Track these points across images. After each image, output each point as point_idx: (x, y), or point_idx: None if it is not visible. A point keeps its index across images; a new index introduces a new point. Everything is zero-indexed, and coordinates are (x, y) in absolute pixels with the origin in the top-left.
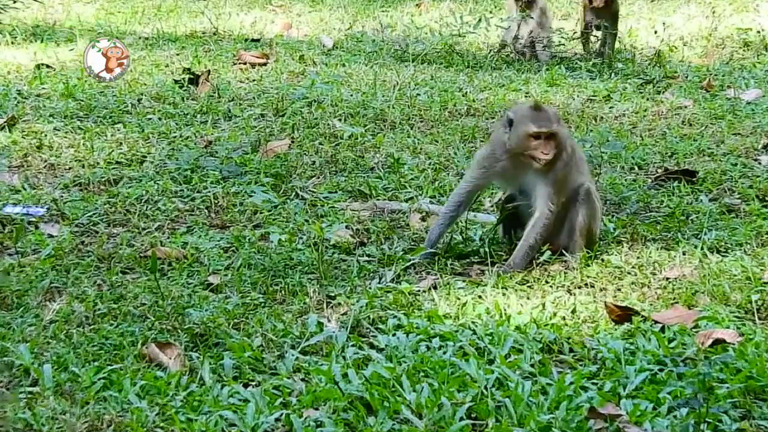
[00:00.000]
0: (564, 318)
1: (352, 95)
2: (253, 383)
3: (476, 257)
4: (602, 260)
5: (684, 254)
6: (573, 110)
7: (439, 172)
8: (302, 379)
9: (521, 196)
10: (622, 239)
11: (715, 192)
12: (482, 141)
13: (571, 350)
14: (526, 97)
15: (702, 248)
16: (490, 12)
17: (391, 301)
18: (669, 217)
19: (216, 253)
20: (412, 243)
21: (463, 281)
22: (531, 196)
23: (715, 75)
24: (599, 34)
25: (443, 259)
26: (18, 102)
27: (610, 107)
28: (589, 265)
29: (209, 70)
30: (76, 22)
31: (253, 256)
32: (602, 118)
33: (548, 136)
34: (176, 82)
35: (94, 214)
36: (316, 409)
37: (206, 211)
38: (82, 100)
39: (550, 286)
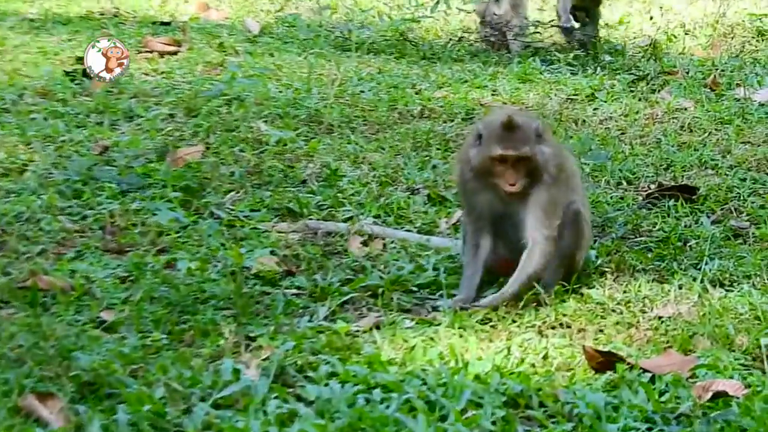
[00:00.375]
0: (534, 365)
1: (281, 92)
2: None
3: (429, 290)
4: (581, 295)
5: (680, 288)
6: (549, 112)
7: (385, 187)
8: None
9: (507, 223)
10: (606, 269)
11: (719, 213)
12: (438, 148)
13: (541, 404)
14: (493, 96)
15: (702, 281)
16: None
17: (324, 343)
18: (663, 242)
19: (111, 283)
20: (351, 273)
21: (412, 320)
22: (517, 223)
23: (722, 71)
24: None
25: (388, 292)
26: None
27: (595, 109)
28: (565, 301)
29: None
30: None
31: (156, 287)
32: (584, 121)
33: (517, 161)
34: (67, 74)
35: None
36: None
37: (100, 232)
38: None
39: (518, 326)
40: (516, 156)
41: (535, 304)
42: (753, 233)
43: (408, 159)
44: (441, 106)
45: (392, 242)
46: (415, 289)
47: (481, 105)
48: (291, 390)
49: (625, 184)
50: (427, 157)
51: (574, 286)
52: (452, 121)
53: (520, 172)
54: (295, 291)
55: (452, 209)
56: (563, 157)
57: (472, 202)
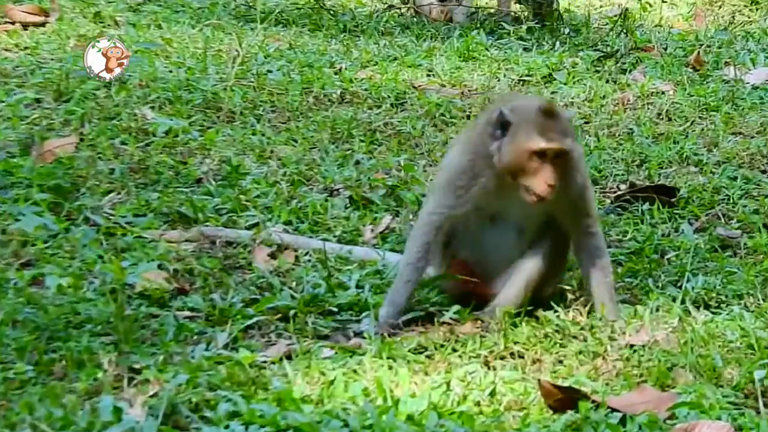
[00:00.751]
0: (478, 403)
1: (171, 72)
2: None
3: (351, 312)
4: (536, 318)
5: (657, 310)
6: (497, 96)
7: (297, 187)
8: None
9: (506, 234)
10: (567, 287)
11: (703, 219)
12: (362, 140)
13: None
14: (429, 76)
15: (683, 301)
16: None
17: (224, 376)
18: (636, 255)
19: None
20: (257, 291)
21: (331, 348)
22: (518, 231)
23: (708, 46)
24: None
25: (301, 315)
26: None
27: (553, 93)
28: (517, 326)
29: None
30: None
31: (19, 308)
32: None
33: (557, 156)
34: None
35: None
36: None
37: None
38: None
39: (459, 356)
40: (559, 149)
41: (480, 329)
42: (744, 244)
43: (325, 153)
44: (365, 90)
45: (306, 254)
46: (334, 310)
47: (414, 88)
48: None
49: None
50: (349, 151)
51: (528, 308)
52: (379, 107)
53: (557, 172)
54: (188, 313)
55: (379, 214)
56: (585, 167)
57: (470, 201)
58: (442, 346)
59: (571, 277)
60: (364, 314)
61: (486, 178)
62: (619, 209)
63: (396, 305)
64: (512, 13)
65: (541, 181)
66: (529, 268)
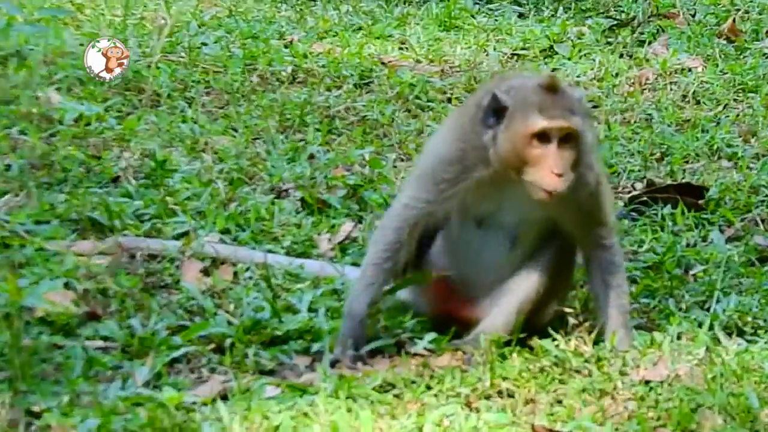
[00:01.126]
0: None
1: (82, 45)
2: None
3: (302, 342)
4: (530, 348)
5: (678, 338)
6: (485, 76)
7: (237, 187)
8: None
9: (495, 239)
10: (568, 309)
11: (738, 225)
12: (318, 129)
13: None
14: (401, 50)
15: (711, 327)
16: None
17: (144, 422)
18: (654, 270)
19: None
20: (185, 316)
21: (278, 385)
22: (511, 240)
23: (746, 12)
24: None
25: (240, 345)
26: None
27: (554, 69)
28: (506, 357)
29: None
30: None
31: None
32: None
33: (564, 138)
34: None
35: None
36: None
37: None
38: None
39: (435, 395)
40: (565, 127)
41: (460, 362)
42: None
43: (272, 145)
44: (322, 66)
45: (247, 270)
46: (281, 339)
47: (382, 64)
48: None
49: None
50: (302, 143)
51: (521, 336)
52: (339, 88)
53: (565, 159)
54: (100, 343)
55: (338, 220)
56: (600, 166)
57: (453, 197)
58: (413, 382)
59: (573, 296)
60: (317, 344)
61: (479, 174)
62: (634, 213)
63: (354, 317)
64: None
65: (548, 171)
66: (523, 287)
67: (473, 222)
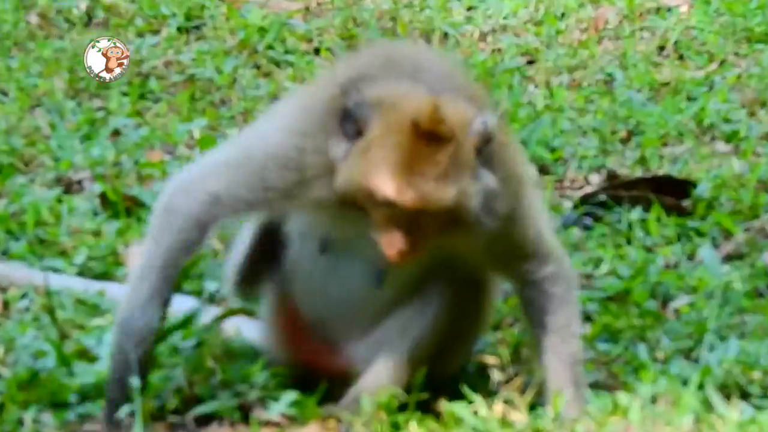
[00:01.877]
0: None
1: None
2: None
3: (100, 402)
4: (435, 414)
5: (653, 402)
6: (370, 19)
7: (8, 177)
8: None
9: (349, 270)
10: (491, 360)
11: (739, 237)
12: (125, 93)
13: None
14: None
15: (701, 386)
16: None
17: None
18: (617, 301)
19: None
20: None
21: None
22: (373, 274)
23: None
24: None
25: (12, 406)
26: None
27: (470, 8)
28: (399, 428)
29: None
30: None
31: None
32: (448, 36)
33: (420, 215)
34: None
35: None
36: None
37: None
38: None
39: None
40: (420, 210)
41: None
42: None
43: (59, 116)
44: (132, 2)
45: (23, 297)
46: (70, 399)
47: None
48: None
49: (540, 172)
50: (101, 112)
51: (421, 396)
52: (156, 33)
53: (421, 232)
54: None
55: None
56: (519, 178)
57: (273, 206)
58: None
59: (500, 340)
60: (126, 406)
61: (320, 188)
62: (588, 218)
63: (139, 340)
64: None
65: (389, 242)
66: (411, 330)
67: (317, 245)
